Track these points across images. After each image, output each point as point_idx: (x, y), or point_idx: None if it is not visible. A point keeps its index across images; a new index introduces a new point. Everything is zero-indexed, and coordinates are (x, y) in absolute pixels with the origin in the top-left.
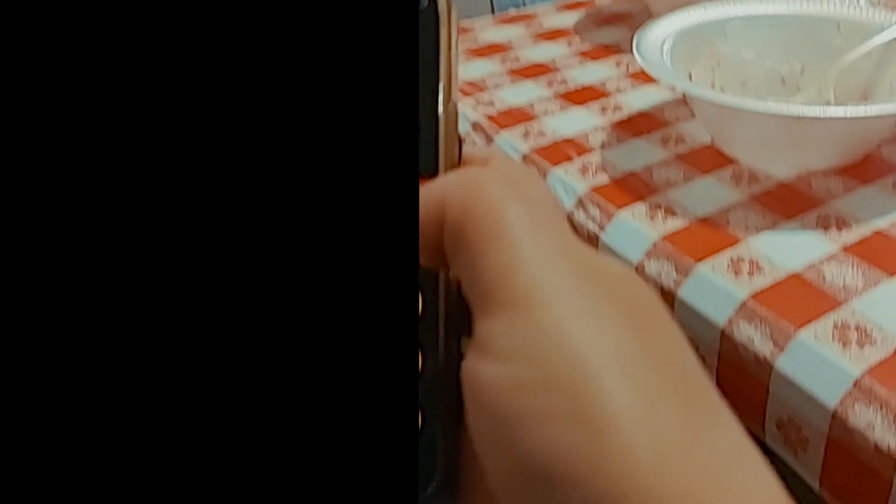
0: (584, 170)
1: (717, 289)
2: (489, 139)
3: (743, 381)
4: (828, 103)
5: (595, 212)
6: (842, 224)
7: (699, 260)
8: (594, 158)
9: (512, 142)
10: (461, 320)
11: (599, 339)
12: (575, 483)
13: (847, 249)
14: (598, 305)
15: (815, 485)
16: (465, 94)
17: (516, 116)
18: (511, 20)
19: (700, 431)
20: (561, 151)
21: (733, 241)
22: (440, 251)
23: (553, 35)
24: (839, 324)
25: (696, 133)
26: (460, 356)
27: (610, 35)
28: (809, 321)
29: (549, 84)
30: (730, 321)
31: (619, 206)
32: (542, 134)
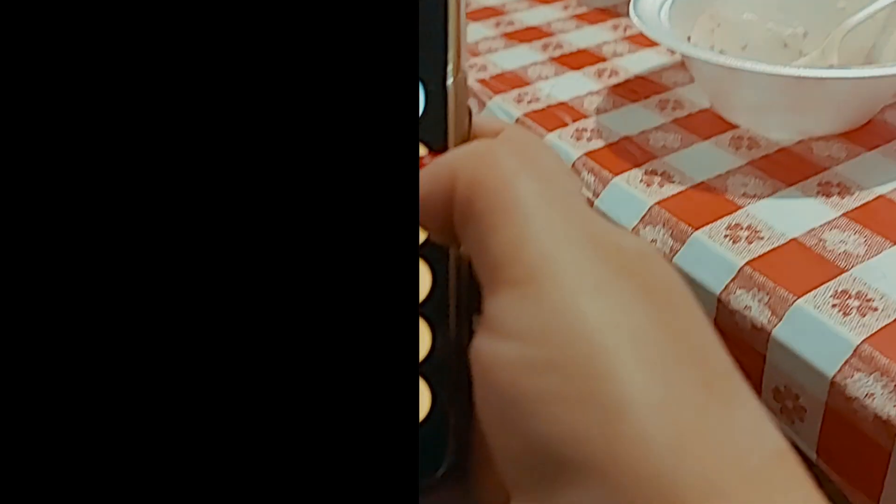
0: (578, 135)
1: (713, 256)
2: (481, 104)
3: (739, 349)
4: (831, 67)
5: (590, 178)
6: (844, 190)
7: (696, 227)
8: (589, 123)
9: (505, 107)
10: (473, 297)
11: (613, 316)
12: (586, 468)
13: (848, 216)
14: (613, 282)
15: (812, 454)
16: None
17: (510, 81)
18: None
19: (719, 415)
20: (555, 116)
21: (731, 208)
22: (450, 227)
23: None
24: (839, 291)
25: (695, 97)
26: (472, 334)
27: None
28: (809, 289)
29: (544, 48)
30: (726, 289)
31: (614, 172)
32: (535, 99)
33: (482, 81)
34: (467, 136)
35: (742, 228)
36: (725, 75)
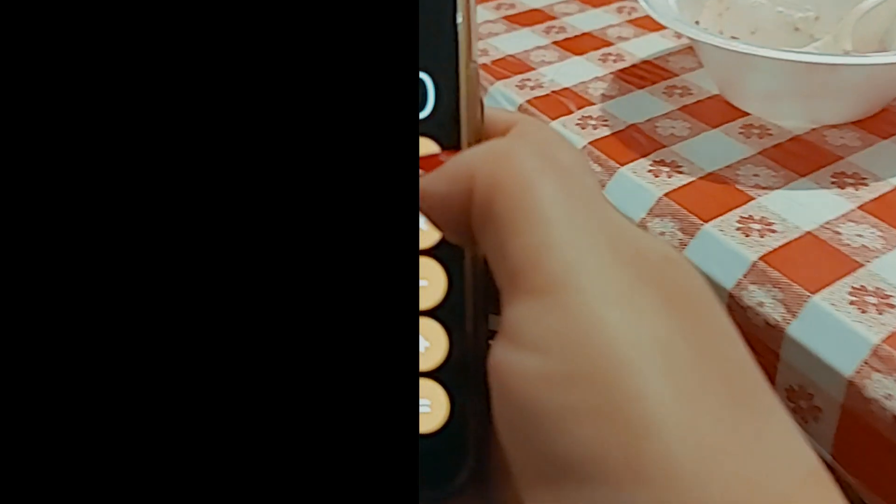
0: (583, 123)
1: (724, 250)
2: (483, 90)
3: (752, 347)
4: (844, 53)
5: (595, 167)
6: (859, 181)
7: (706, 219)
8: (594, 111)
9: (507, 93)
10: (490, 298)
11: (638, 328)
12: (606, 486)
13: (864, 208)
14: (638, 291)
15: (828, 455)
16: None
17: (512, 66)
18: None
19: (748, 434)
20: (559, 103)
21: (743, 200)
22: (468, 228)
23: None
24: (856, 287)
25: (704, 83)
26: (490, 335)
27: None
28: (824, 285)
29: (547, 31)
30: (738, 284)
31: (621, 162)
32: (539, 85)
33: (483, 66)
34: (480, 131)
35: (754, 221)
36: (735, 61)
